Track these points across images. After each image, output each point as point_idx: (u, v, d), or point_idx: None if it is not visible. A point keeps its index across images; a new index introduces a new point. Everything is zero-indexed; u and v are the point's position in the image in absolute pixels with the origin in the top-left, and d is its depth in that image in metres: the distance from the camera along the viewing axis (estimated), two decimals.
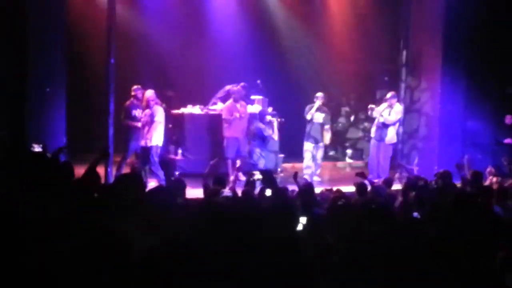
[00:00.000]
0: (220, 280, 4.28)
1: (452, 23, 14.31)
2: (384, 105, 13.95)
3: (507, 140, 14.54)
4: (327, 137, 14.05)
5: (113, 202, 4.73)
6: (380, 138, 13.91)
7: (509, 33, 14.64)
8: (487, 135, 14.89)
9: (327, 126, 14.03)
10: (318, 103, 13.85)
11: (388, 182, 9.99)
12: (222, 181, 9.02)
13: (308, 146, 13.90)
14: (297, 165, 14.56)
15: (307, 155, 13.90)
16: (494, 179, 10.59)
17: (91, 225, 3.92)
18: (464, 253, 5.37)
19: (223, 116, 13.43)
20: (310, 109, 13.85)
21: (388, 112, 13.78)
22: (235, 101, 13.49)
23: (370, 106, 14.15)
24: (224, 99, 14.21)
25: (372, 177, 12.23)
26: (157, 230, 4.59)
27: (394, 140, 14.04)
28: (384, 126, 13.83)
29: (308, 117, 13.84)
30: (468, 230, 6.04)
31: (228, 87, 14.29)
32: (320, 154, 14.04)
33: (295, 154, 14.84)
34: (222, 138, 13.44)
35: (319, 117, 13.85)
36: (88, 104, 15.59)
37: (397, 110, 13.90)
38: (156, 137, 12.13)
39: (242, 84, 14.16)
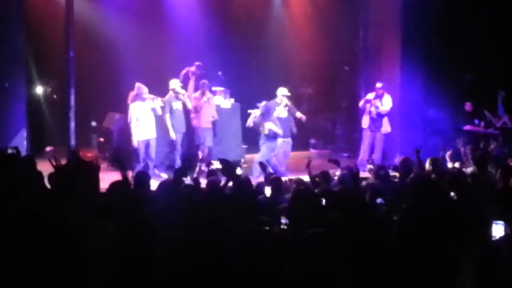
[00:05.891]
0: (185, 272, 4.29)
1: (410, 14, 14.48)
2: (371, 94, 13.99)
3: (466, 127, 14.72)
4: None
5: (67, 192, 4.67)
6: (376, 128, 13.95)
7: (465, 21, 14.82)
8: (447, 122, 15.05)
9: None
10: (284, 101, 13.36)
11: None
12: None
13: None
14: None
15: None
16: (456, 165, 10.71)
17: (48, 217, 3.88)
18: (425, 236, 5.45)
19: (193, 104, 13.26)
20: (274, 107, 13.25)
21: (380, 102, 13.82)
22: (203, 93, 13.32)
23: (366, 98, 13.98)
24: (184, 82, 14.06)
25: (363, 168, 12.20)
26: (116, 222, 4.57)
27: (389, 129, 14.10)
28: (379, 116, 13.86)
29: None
30: (428, 213, 6.13)
31: (184, 70, 14.29)
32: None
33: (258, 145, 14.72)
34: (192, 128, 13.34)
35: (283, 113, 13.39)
36: (48, 98, 15.50)
37: (389, 100, 13.92)
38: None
39: (197, 63, 14.23)
